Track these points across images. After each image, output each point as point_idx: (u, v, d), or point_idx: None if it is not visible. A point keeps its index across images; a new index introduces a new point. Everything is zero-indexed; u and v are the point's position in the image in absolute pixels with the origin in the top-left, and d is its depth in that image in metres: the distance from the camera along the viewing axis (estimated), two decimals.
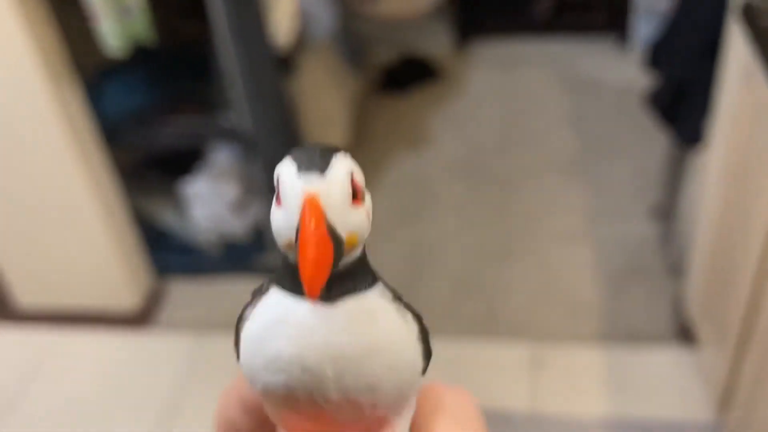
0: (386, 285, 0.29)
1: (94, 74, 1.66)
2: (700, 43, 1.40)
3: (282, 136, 1.70)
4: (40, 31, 1.40)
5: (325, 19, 1.86)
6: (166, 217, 1.89)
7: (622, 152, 2.17)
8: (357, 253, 0.28)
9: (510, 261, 1.87)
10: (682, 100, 1.43)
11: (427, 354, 0.30)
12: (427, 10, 2.68)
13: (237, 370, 0.32)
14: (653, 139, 2.18)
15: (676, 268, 1.73)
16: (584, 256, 1.85)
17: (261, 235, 1.86)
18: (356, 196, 0.27)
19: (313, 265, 0.25)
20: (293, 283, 0.27)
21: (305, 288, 0.25)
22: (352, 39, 2.47)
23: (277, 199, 0.27)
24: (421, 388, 0.31)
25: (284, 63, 1.76)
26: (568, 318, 1.71)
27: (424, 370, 0.30)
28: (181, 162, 1.90)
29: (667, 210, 1.84)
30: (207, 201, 1.79)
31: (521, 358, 1.63)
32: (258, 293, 0.30)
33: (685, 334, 1.60)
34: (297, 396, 0.27)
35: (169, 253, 1.87)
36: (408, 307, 0.29)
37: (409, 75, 2.58)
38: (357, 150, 2.25)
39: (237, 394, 0.32)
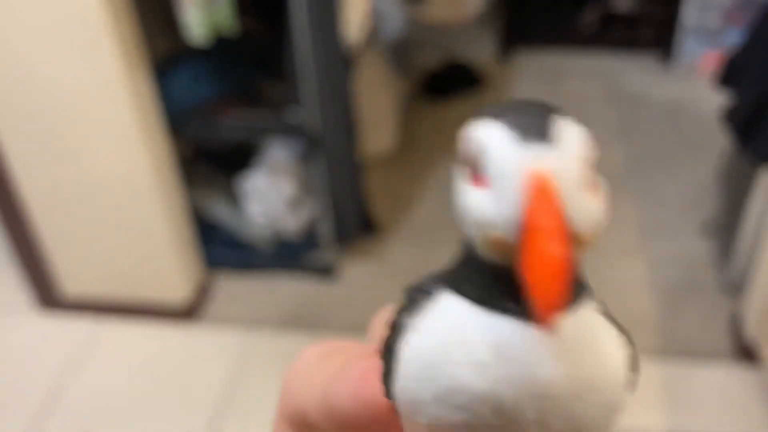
0: (596, 296, 0.23)
1: (162, 61, 1.64)
2: None
3: (345, 134, 1.68)
4: (119, 13, 1.39)
5: (395, 20, 1.84)
6: (218, 210, 1.87)
7: (671, 168, 2.16)
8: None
9: None
10: (760, 118, 1.42)
11: (634, 387, 0.24)
12: (473, 17, 2.67)
13: (304, 349, 0.27)
14: (702, 156, 2.18)
15: (734, 286, 1.73)
16: (638, 270, 1.84)
17: (314, 233, 1.85)
18: (593, 179, 0.21)
19: (552, 277, 0.18)
20: (492, 294, 0.21)
21: (538, 309, 0.18)
22: (398, 42, 2.47)
23: (475, 177, 0.21)
24: None
25: (349, 62, 1.75)
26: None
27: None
28: (233, 157, 1.89)
29: (723, 227, 1.83)
30: (263, 196, 1.77)
31: None
32: (420, 296, 0.23)
33: (745, 352, 1.59)
34: None
35: (219, 247, 1.86)
36: (619, 325, 0.23)
37: (452, 80, 2.58)
38: (404, 153, 2.24)
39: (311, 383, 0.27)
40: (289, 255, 1.85)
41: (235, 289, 1.85)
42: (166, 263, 1.72)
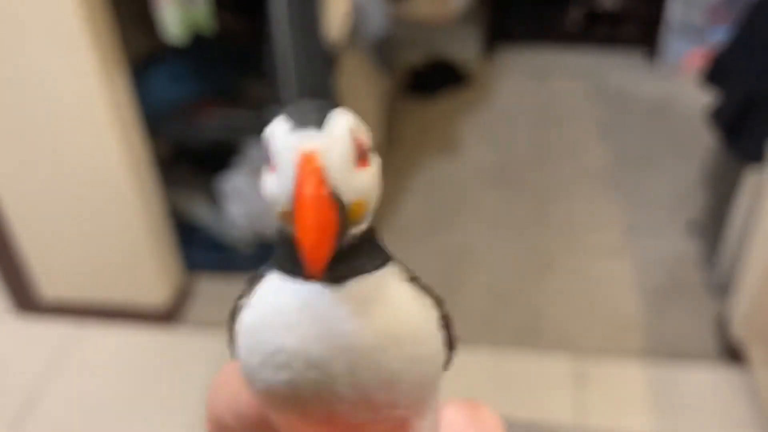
0: (401, 264, 0.25)
1: (140, 61, 1.61)
2: None
3: None
4: (95, 12, 1.36)
5: (378, 17, 1.82)
6: (198, 212, 1.84)
7: (656, 166, 2.15)
8: (364, 225, 0.24)
9: (547, 272, 1.84)
10: (747, 117, 1.41)
11: (451, 343, 0.26)
12: (457, 15, 2.65)
13: (226, 365, 0.29)
14: (687, 155, 2.17)
15: (720, 287, 1.71)
16: (623, 270, 1.83)
17: None
18: (362, 156, 0.24)
19: (314, 233, 0.21)
20: (292, 263, 0.24)
21: (306, 263, 0.21)
22: (382, 40, 2.44)
23: (270, 165, 0.24)
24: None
25: (331, 60, 1.72)
26: (610, 332, 1.69)
27: (448, 363, 0.26)
28: (213, 158, 1.86)
29: (709, 227, 1.82)
30: (244, 197, 1.74)
31: (564, 372, 1.60)
32: (253, 280, 0.26)
33: (731, 353, 1.58)
34: (303, 396, 0.24)
35: (199, 250, 1.83)
36: (427, 289, 0.26)
37: (436, 79, 2.55)
38: (388, 152, 2.22)
39: (227, 394, 0.29)
40: (269, 257, 1.82)
41: (216, 291, 1.82)
42: (145, 265, 1.69)
